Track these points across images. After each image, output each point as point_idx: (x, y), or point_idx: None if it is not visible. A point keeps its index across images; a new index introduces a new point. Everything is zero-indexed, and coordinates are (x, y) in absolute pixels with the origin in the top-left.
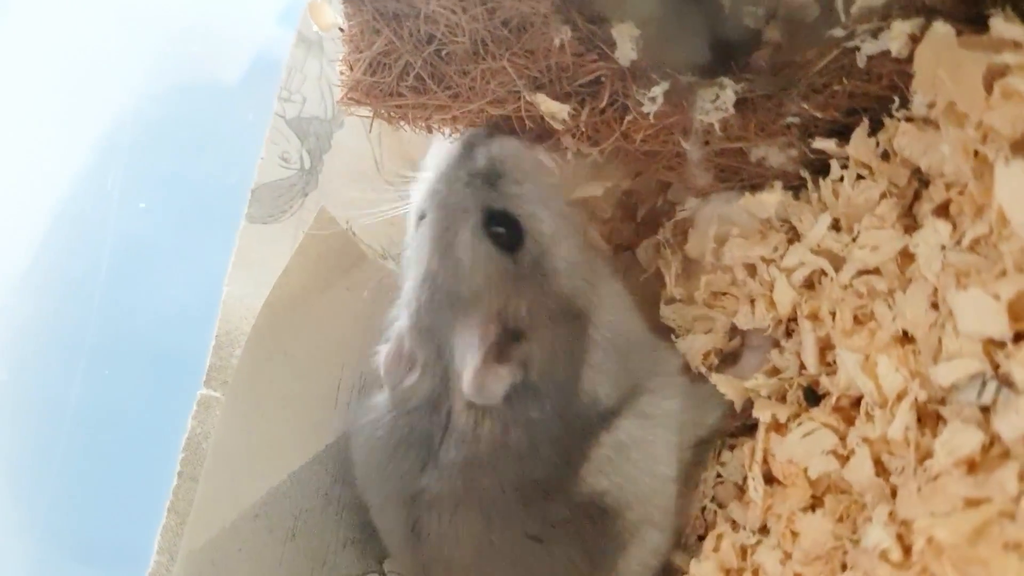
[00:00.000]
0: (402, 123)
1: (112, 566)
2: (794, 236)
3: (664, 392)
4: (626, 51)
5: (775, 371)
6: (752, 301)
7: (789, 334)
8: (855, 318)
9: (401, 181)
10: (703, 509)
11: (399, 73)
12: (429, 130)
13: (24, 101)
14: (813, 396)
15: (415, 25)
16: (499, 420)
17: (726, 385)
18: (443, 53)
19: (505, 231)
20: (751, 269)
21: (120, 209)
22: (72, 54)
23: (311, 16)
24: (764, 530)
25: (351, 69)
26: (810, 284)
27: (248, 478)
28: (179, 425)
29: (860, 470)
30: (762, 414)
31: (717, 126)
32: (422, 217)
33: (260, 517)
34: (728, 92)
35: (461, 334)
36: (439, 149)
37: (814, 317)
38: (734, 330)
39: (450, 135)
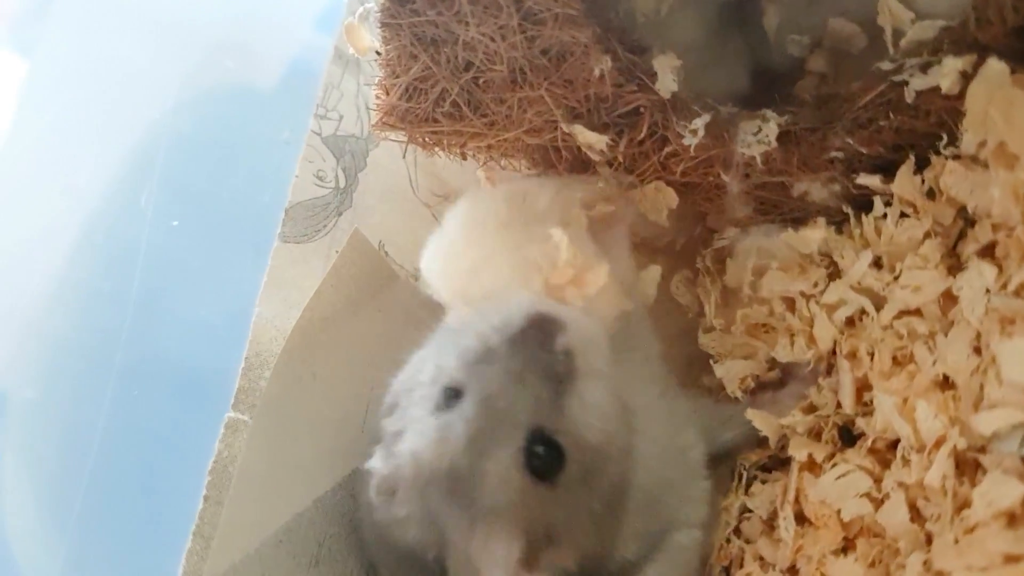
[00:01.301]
0: (437, 149)
1: None
2: (834, 271)
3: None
4: (667, 82)
5: (811, 408)
6: (792, 335)
7: (829, 370)
8: (894, 359)
9: (437, 201)
10: (727, 540)
11: (435, 99)
12: (463, 157)
13: (57, 117)
14: (849, 435)
15: (453, 51)
16: None
17: (761, 420)
18: (480, 80)
19: (545, 454)
20: (790, 303)
21: (152, 226)
22: (106, 72)
23: (348, 39)
24: (793, 570)
25: (387, 93)
26: (850, 322)
27: (273, 503)
28: (206, 448)
29: (895, 515)
30: (798, 452)
31: (759, 159)
32: (453, 392)
33: (284, 543)
34: (771, 125)
35: (484, 538)
36: (501, 304)
37: (852, 356)
38: (774, 360)
39: (483, 162)
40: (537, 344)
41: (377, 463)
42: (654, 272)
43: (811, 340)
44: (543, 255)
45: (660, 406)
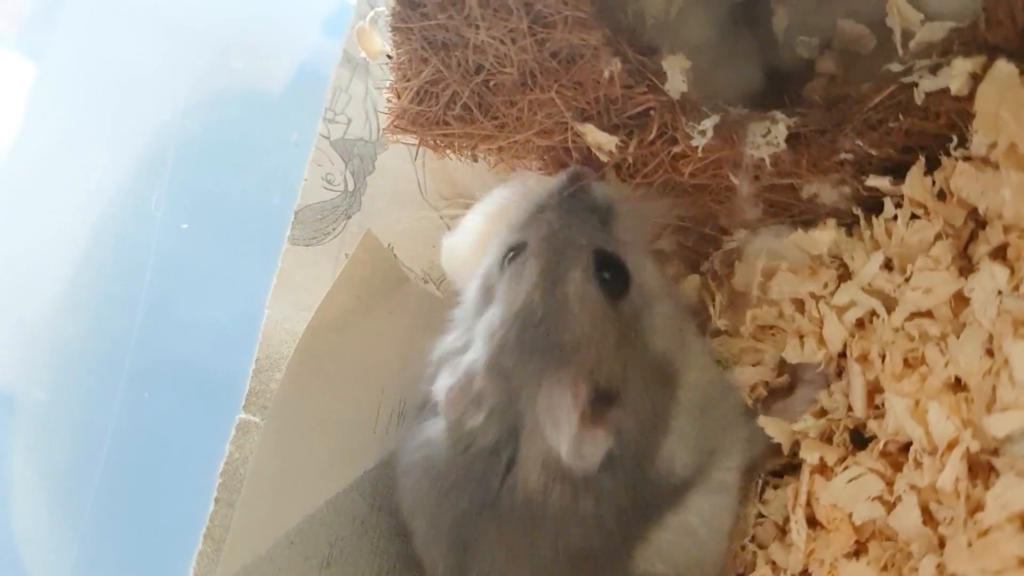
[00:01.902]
0: (448, 152)
1: None
2: (844, 273)
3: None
4: (676, 83)
5: (822, 412)
6: (801, 336)
7: (840, 372)
8: (905, 362)
9: (445, 204)
10: (742, 547)
11: (446, 102)
12: (475, 159)
13: (67, 119)
14: (860, 438)
15: (463, 55)
16: (570, 486)
17: (773, 427)
18: (491, 83)
19: (611, 278)
20: (799, 304)
21: (162, 229)
22: (115, 76)
23: (359, 43)
24: (806, 575)
25: (398, 97)
26: (860, 324)
27: (285, 504)
28: (217, 450)
29: (907, 518)
30: (809, 455)
31: (768, 161)
32: (515, 248)
33: (296, 544)
34: (780, 126)
35: (550, 388)
36: (532, 179)
37: (863, 359)
38: (783, 364)
39: (494, 164)
40: (579, 189)
41: (441, 381)
42: (693, 281)
43: (821, 341)
44: None
45: (705, 347)
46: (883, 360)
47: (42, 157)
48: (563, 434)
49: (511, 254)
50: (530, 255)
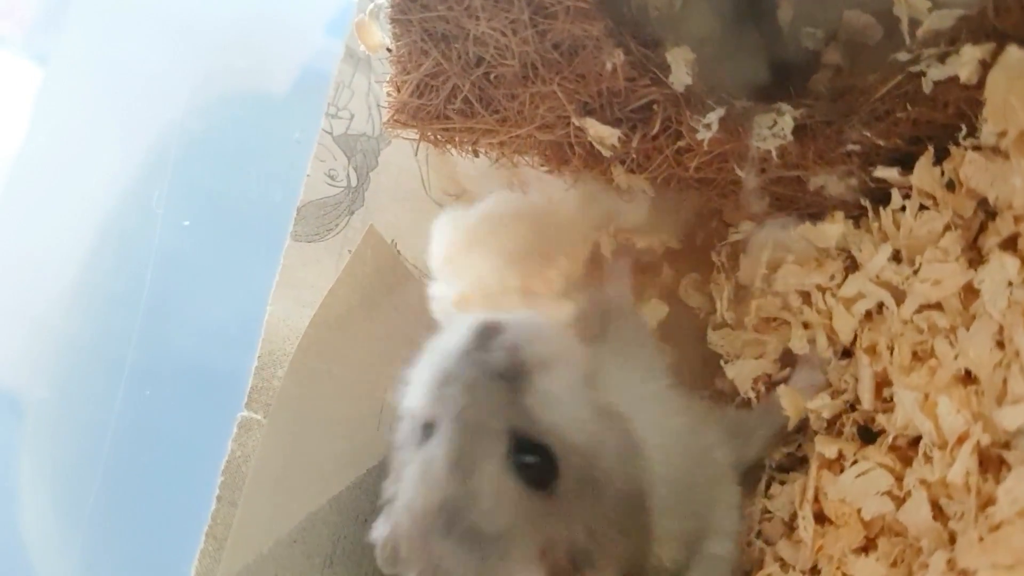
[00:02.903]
0: (448, 147)
1: None
2: (852, 265)
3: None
4: (681, 76)
5: (836, 393)
6: (807, 327)
7: (841, 351)
8: (914, 354)
9: (448, 200)
10: (748, 544)
11: (446, 96)
12: (476, 154)
13: (71, 120)
14: (869, 433)
15: (464, 47)
16: None
17: (788, 399)
18: (492, 76)
19: (535, 462)
20: (805, 297)
21: (164, 226)
22: (118, 72)
23: (358, 36)
24: (815, 571)
25: (398, 91)
26: (868, 316)
27: (287, 503)
28: (219, 448)
29: (916, 513)
30: (827, 450)
31: (774, 153)
32: (428, 426)
33: (298, 543)
34: (786, 118)
35: None
36: (441, 343)
37: (871, 351)
38: (784, 357)
39: (496, 159)
40: (480, 348)
41: (377, 530)
42: (658, 308)
43: (832, 332)
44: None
45: (672, 398)
46: (891, 352)
47: (46, 157)
48: None
49: (427, 431)
50: (438, 444)
